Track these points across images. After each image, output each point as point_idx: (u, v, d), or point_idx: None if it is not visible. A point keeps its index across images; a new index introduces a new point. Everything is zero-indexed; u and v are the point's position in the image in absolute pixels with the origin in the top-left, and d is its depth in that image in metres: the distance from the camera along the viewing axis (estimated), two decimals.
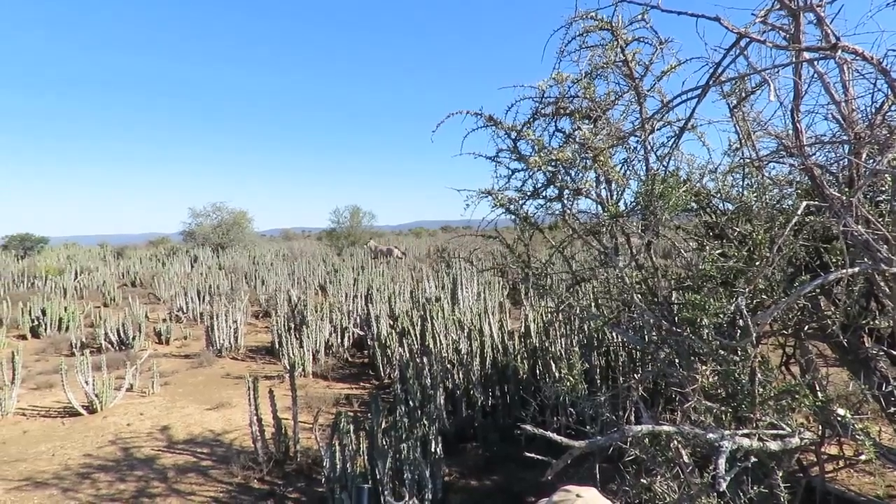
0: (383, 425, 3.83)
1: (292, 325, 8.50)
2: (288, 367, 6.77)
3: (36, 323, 10.46)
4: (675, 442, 2.61)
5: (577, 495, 1.24)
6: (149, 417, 6.02)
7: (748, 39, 2.42)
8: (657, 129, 3.33)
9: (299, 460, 4.62)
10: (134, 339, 9.25)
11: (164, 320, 10.35)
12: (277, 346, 8.04)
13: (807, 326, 3.06)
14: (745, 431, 2.34)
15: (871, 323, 2.75)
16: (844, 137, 2.66)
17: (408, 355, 5.80)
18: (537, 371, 5.16)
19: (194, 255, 21.97)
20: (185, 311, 11.94)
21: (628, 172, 3.45)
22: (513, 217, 3.65)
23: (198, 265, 19.79)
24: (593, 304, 5.15)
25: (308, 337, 7.70)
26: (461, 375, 5.21)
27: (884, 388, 2.59)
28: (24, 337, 10.25)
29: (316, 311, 8.49)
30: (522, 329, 5.62)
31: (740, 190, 3.26)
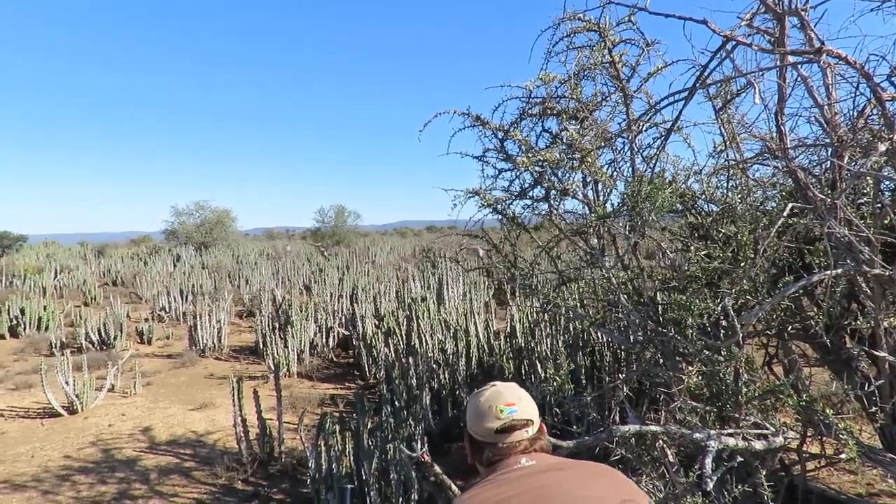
0: (369, 425, 3.81)
1: (276, 325, 8.43)
2: (272, 368, 6.73)
3: (14, 322, 10.26)
4: (661, 442, 2.63)
5: (492, 384, 1.42)
6: (131, 418, 5.94)
7: (734, 42, 2.43)
8: (644, 131, 3.35)
9: (284, 461, 4.58)
10: (115, 338, 9.12)
11: (147, 320, 10.21)
12: (261, 345, 7.97)
13: (790, 327, 3.10)
14: (730, 431, 2.36)
15: (853, 324, 2.79)
16: (827, 140, 2.69)
17: (393, 355, 5.78)
18: (523, 371, 5.17)
19: (177, 254, 21.71)
20: (167, 310, 11.79)
21: (615, 173, 3.47)
22: (499, 217, 3.65)
23: (180, 264, 19.56)
24: (579, 305, 5.18)
25: (293, 337, 7.65)
26: (447, 375, 5.21)
27: (865, 388, 2.63)
28: (2, 336, 10.05)
29: (301, 311, 8.43)
30: (508, 329, 5.63)
31: (725, 191, 3.29)
